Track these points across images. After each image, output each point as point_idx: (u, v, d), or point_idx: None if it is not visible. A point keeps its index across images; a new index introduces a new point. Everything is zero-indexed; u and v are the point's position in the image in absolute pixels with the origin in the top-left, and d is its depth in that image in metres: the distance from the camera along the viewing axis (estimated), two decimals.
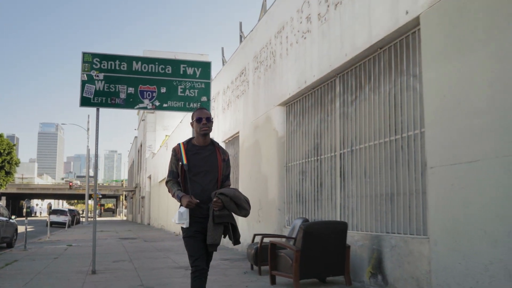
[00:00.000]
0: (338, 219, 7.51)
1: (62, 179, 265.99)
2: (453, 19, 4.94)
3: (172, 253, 12.01)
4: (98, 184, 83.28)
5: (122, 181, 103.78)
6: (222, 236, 4.02)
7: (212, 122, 4.22)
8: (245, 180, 12.13)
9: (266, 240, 7.92)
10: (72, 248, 14.23)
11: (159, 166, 31.74)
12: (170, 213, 25.12)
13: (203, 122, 4.12)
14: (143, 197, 44.69)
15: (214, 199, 3.91)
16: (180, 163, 4.10)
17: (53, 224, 31.44)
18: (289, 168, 9.63)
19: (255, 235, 8.60)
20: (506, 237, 4.23)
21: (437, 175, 5.09)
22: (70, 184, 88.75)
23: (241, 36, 13.32)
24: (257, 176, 11.11)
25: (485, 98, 4.50)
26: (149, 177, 39.91)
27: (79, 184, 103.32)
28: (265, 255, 7.46)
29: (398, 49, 6.21)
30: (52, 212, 34.70)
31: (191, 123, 4.25)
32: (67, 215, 35.10)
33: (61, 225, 33.76)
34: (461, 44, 4.82)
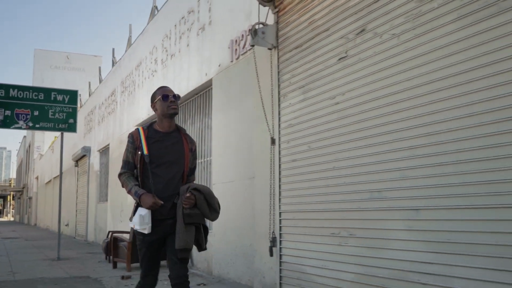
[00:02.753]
0: None
1: None
2: (225, 85, 7.47)
3: (47, 249, 13.77)
4: None
5: (10, 180, 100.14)
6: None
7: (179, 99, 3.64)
8: (111, 186, 14.24)
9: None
10: None
11: (46, 168, 32.60)
12: (55, 214, 26.41)
13: (170, 99, 3.54)
14: (30, 198, 44.76)
15: (187, 195, 3.37)
16: (139, 152, 3.48)
17: None
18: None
19: (109, 231, 10.77)
20: (245, 231, 6.80)
21: (217, 189, 7.61)
22: None
23: (113, 61, 15.40)
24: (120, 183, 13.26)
25: (238, 139, 7.05)
26: (37, 178, 40.29)
27: None
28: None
29: (204, 97, 8.71)
30: None
31: (152, 105, 3.66)
32: None
33: None
34: (228, 102, 7.36)
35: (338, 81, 4.55)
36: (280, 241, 5.41)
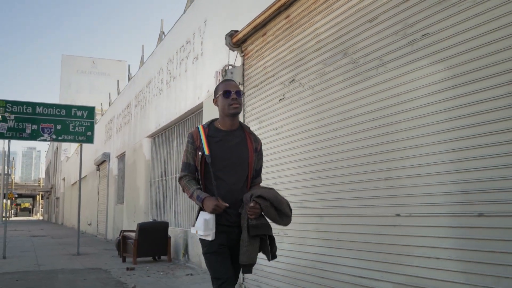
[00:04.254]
0: (172, 220, 11.40)
1: None
2: (210, 109, 8.88)
3: (69, 245, 15.42)
4: (15, 183, 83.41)
5: (39, 180, 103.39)
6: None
7: (242, 96, 3.27)
8: (126, 189, 15.83)
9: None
10: None
11: (72, 170, 34.53)
12: (82, 213, 28.19)
13: (232, 96, 3.24)
14: (58, 198, 46.96)
15: (251, 204, 3.07)
16: (200, 153, 3.24)
17: None
18: (152, 183, 13.44)
19: (121, 230, 12.31)
20: None
21: None
22: None
23: (128, 77, 17.00)
24: (134, 187, 14.85)
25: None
26: (64, 179, 42.37)
27: None
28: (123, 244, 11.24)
29: (198, 117, 10.14)
30: None
31: (214, 99, 3.39)
32: None
33: None
34: None
35: (278, 117, 5.95)
36: None
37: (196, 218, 3.25)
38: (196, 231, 3.18)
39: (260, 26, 6.39)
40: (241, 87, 7.00)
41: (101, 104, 25.50)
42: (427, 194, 3.71)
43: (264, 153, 6.12)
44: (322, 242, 5.03)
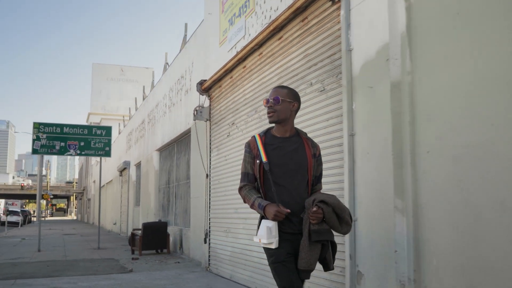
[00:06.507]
0: (173, 220, 13.94)
1: (13, 177, 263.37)
2: (201, 134, 11.38)
3: (94, 242, 18.12)
4: (50, 185, 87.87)
5: (73, 181, 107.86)
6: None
7: (282, 102, 3.24)
8: (142, 194, 18.50)
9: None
10: (25, 240, 20.19)
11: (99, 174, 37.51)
12: (108, 215, 31.25)
13: (268, 105, 3.27)
14: (89, 199, 50.31)
15: (314, 209, 3.02)
16: (258, 161, 3.20)
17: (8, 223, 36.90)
18: (159, 189, 16.05)
19: (133, 229, 14.91)
20: (200, 229, 10.70)
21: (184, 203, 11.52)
22: (22, 184, 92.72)
23: (143, 97, 19.67)
24: (147, 192, 17.50)
25: (194, 172, 10.92)
26: (94, 182, 45.60)
27: (30, 184, 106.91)
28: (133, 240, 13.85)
29: (188, 139, 12.64)
30: (8, 213, 40.01)
31: None
32: (19, 216, 40.42)
33: (14, 224, 39.04)
34: (193, 147, 11.25)
35: (226, 148, 8.40)
36: (210, 234, 9.27)
37: (258, 227, 3.20)
38: (260, 239, 3.11)
39: (217, 80, 8.85)
40: (208, 123, 9.47)
41: (129, 109, 27.92)
42: None
43: (223, 171, 8.57)
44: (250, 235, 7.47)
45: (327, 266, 3.20)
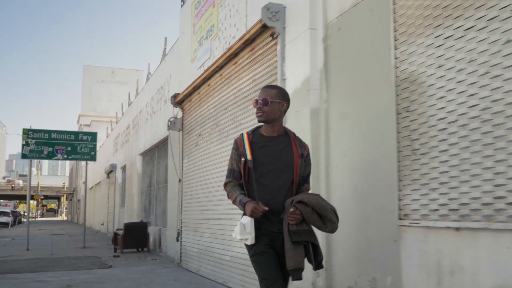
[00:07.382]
0: (154, 221, 14.91)
1: (4, 178, 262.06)
2: (175, 142, 12.34)
3: (81, 241, 19.05)
4: (41, 185, 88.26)
5: (64, 182, 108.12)
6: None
7: (271, 103, 3.25)
8: (127, 195, 19.46)
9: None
10: (15, 240, 21.10)
11: (90, 175, 38.29)
12: (96, 216, 32.13)
13: (257, 106, 3.28)
14: (79, 200, 51.05)
15: (291, 210, 3.01)
16: (243, 159, 3.21)
17: None
18: (142, 192, 17.01)
19: (116, 229, 15.84)
20: (174, 229, 11.67)
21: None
22: (13, 185, 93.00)
23: (128, 103, 20.61)
24: (131, 194, 18.46)
25: (171, 177, 11.89)
26: (84, 183, 46.34)
27: (21, 185, 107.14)
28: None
29: (166, 146, 13.59)
30: None
31: None
32: (9, 216, 41.06)
33: (4, 225, 39.59)
34: (173, 155, 12.21)
35: (195, 156, 9.38)
36: (181, 234, 10.24)
37: None
38: (235, 235, 3.13)
39: (188, 95, 9.82)
40: (181, 133, 10.45)
41: (116, 113, 28.71)
42: None
43: (196, 176, 9.55)
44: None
45: (314, 266, 3.18)
